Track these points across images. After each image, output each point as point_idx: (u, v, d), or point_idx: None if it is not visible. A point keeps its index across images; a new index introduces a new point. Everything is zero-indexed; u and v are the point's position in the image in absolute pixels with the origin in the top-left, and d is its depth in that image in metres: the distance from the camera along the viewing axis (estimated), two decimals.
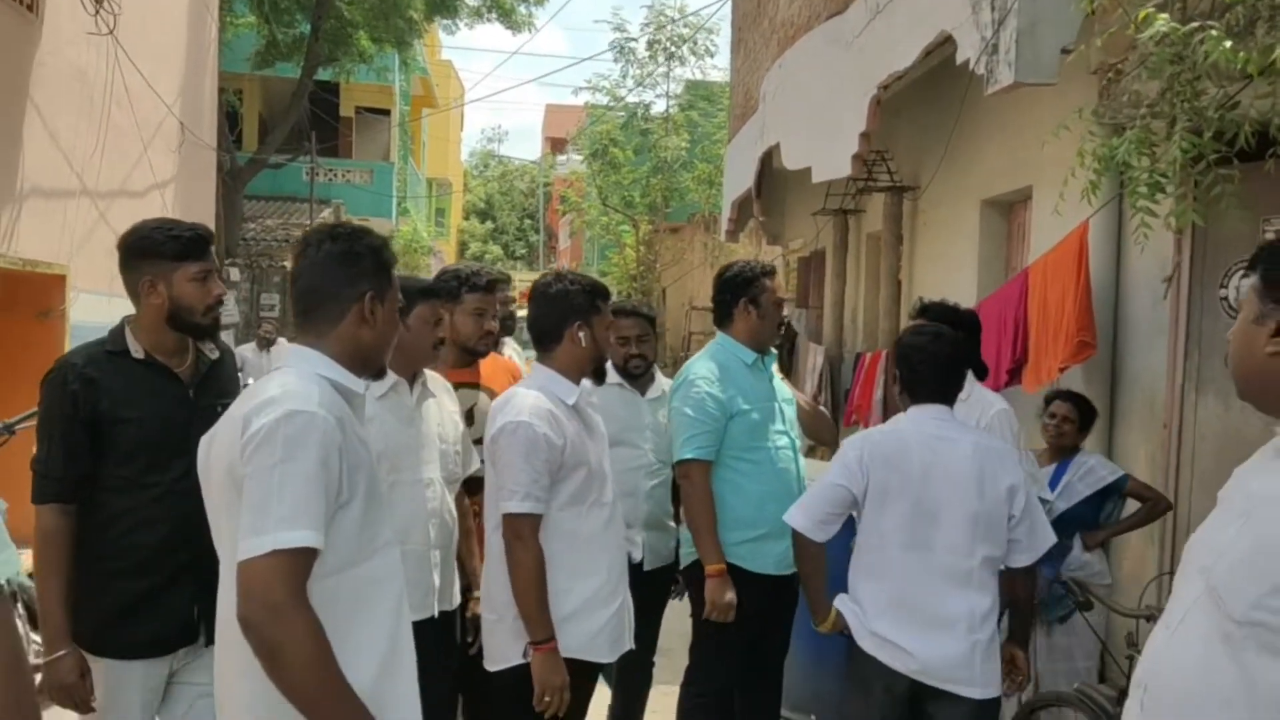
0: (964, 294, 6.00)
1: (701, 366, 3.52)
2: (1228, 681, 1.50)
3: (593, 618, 2.80)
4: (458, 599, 3.01)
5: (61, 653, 2.43)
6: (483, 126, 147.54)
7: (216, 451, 1.86)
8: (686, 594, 3.69)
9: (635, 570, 3.61)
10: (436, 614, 2.87)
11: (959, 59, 4.64)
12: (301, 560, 1.72)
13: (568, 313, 2.90)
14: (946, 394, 2.97)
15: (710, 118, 18.13)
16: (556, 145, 36.08)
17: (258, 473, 1.73)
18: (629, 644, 2.93)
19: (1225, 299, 4.08)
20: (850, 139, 6.10)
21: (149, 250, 2.51)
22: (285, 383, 1.84)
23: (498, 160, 50.02)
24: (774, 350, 3.67)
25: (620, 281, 20.51)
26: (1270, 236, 3.80)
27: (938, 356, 2.95)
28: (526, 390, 2.86)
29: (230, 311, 15.06)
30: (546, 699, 2.69)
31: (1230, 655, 1.50)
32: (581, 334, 2.89)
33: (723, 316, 3.59)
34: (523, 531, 2.73)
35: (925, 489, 2.82)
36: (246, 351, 10.85)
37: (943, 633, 2.79)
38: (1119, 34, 3.38)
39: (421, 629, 2.83)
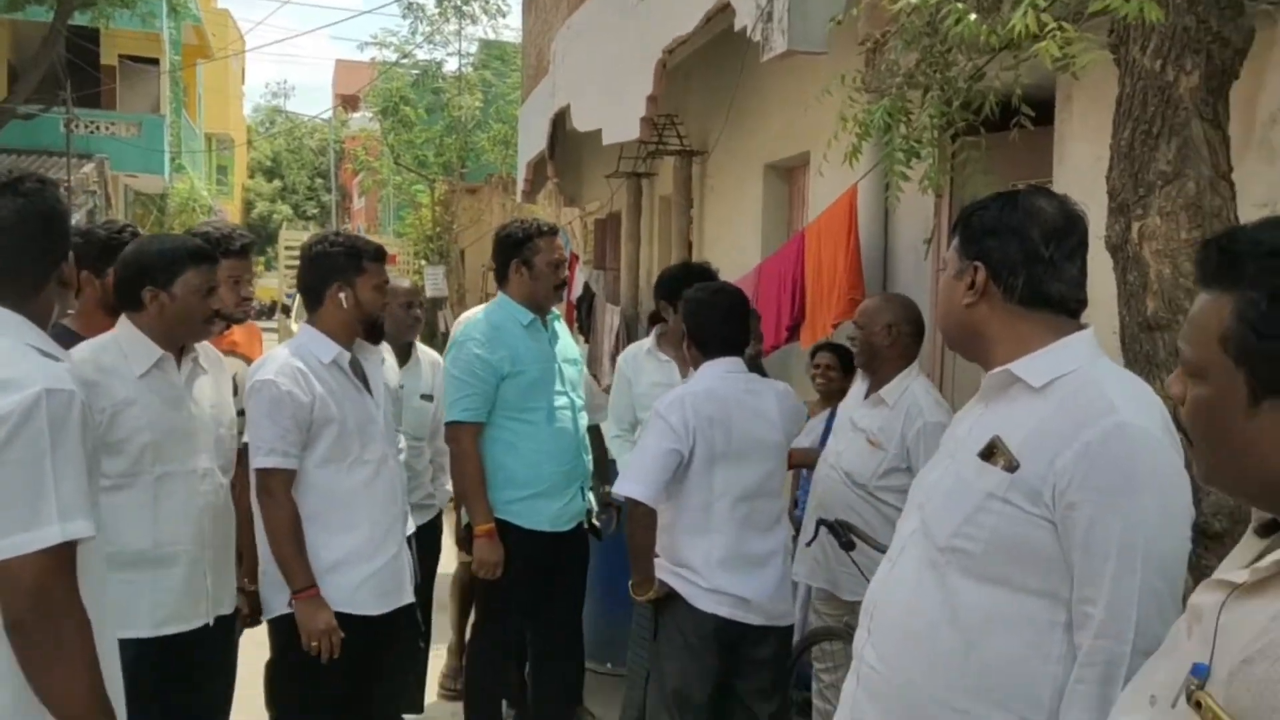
0: (749, 256, 6.20)
1: (474, 328, 3.52)
2: (935, 604, 1.64)
3: (353, 572, 2.84)
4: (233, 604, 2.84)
5: None
6: (267, 81, 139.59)
7: None
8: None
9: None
10: (211, 621, 2.67)
11: (736, 26, 4.74)
12: (73, 553, 1.62)
13: (329, 274, 2.90)
14: (738, 346, 3.12)
15: (504, 78, 17.92)
16: (348, 102, 34.64)
17: (24, 461, 1.57)
18: (405, 599, 2.99)
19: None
20: (638, 102, 6.14)
21: None
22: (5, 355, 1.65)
23: (285, 117, 47.49)
24: (555, 310, 3.68)
25: (417, 243, 20.02)
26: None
27: (726, 310, 3.10)
28: (282, 349, 2.88)
29: None
30: (314, 644, 2.75)
31: (937, 581, 1.64)
32: (343, 295, 2.88)
33: (500, 277, 3.59)
34: (271, 485, 2.77)
35: (746, 443, 2.97)
36: None
37: (765, 571, 3.00)
38: (881, 6, 3.56)
39: (194, 638, 2.62)
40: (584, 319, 9.19)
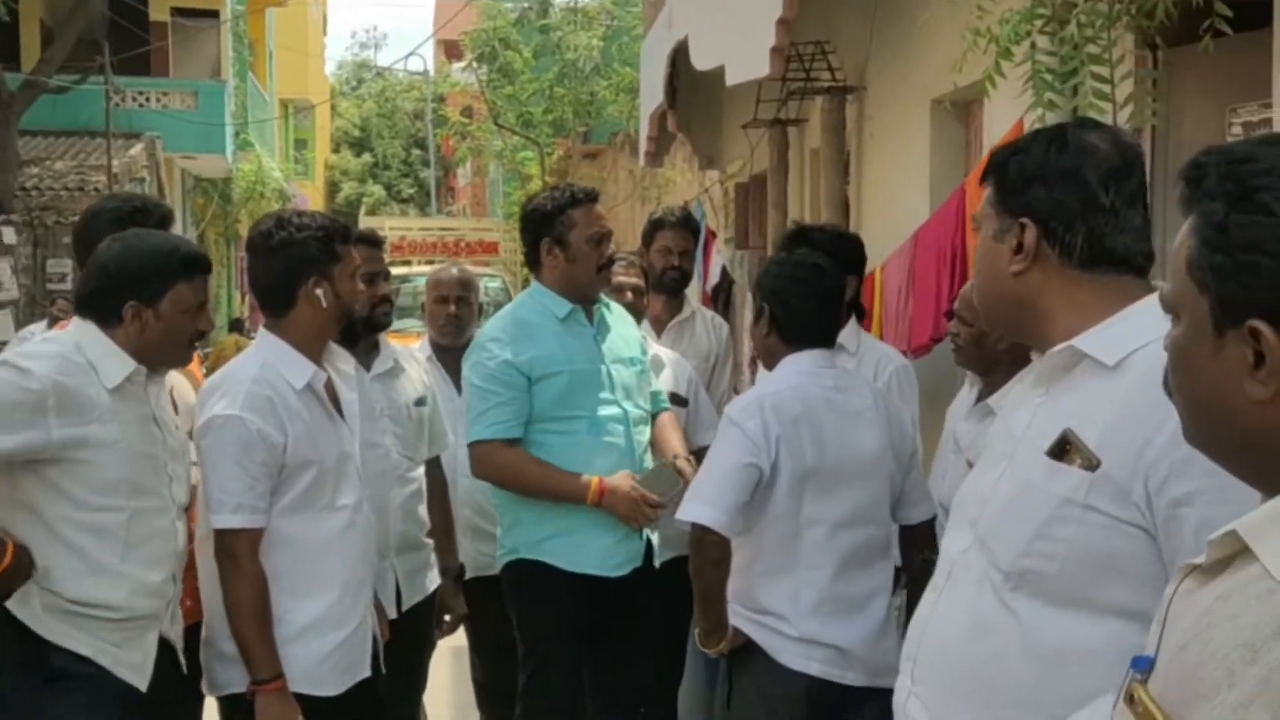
0: (916, 216, 6.19)
1: (495, 325, 3.67)
2: (1001, 633, 1.71)
3: (318, 643, 2.95)
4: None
5: None
6: (354, 29, 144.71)
7: None
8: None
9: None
10: (145, 688, 2.81)
11: None
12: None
13: (300, 266, 2.97)
14: (831, 336, 3.19)
15: (629, 7, 18.15)
16: (452, 51, 35.81)
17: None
18: (365, 671, 3.07)
19: None
20: (767, 28, 6.25)
21: None
22: None
23: (375, 73, 49.50)
24: (603, 298, 3.78)
25: None
26: (1237, 132, 4.03)
27: (823, 290, 3.14)
28: (244, 370, 2.95)
29: (6, 286, 14.95)
30: None
31: (1001, 609, 1.71)
32: (320, 291, 2.97)
33: (532, 261, 3.74)
34: (237, 550, 2.85)
35: (843, 455, 3.03)
36: (35, 334, 10.77)
37: (865, 614, 3.04)
38: None
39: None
40: (722, 313, 9.32)
